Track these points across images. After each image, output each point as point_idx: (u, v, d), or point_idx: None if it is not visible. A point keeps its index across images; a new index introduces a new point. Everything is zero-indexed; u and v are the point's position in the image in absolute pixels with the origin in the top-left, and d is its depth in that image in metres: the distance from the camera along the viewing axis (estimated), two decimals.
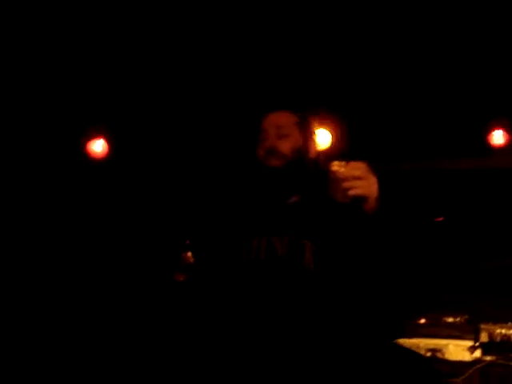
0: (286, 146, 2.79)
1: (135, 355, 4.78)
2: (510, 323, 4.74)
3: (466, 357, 4.68)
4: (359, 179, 2.34)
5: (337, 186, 2.36)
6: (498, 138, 5.34)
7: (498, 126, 5.34)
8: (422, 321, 4.97)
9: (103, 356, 4.99)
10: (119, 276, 5.27)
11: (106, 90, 5.34)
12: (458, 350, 4.74)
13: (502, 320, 4.78)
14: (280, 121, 2.83)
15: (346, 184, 2.33)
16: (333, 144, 5.38)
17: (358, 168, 2.36)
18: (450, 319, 4.94)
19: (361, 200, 2.35)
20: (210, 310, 2.81)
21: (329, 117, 5.31)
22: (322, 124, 5.31)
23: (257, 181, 2.83)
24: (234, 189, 2.96)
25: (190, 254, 3.15)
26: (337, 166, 2.35)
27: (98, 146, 5.56)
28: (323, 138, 5.31)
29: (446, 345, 4.77)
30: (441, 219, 5.38)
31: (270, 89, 5.09)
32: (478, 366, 4.44)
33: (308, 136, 2.86)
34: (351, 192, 2.33)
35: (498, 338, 4.70)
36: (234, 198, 2.93)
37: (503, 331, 4.71)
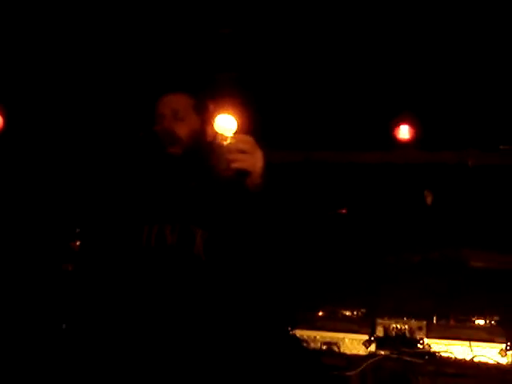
0: (183, 130, 2.71)
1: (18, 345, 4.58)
2: (405, 318, 4.78)
3: (361, 351, 4.70)
4: (244, 153, 2.28)
5: (221, 158, 2.31)
6: (403, 132, 5.36)
7: (404, 121, 5.37)
8: (320, 313, 4.96)
9: None
10: (4, 261, 5.06)
11: None
12: (353, 343, 4.76)
13: (397, 314, 4.82)
14: (176, 103, 2.75)
15: (230, 156, 2.29)
16: (238, 130, 5.30)
17: (243, 141, 2.33)
18: (348, 313, 4.95)
19: (244, 174, 2.31)
20: (97, 299, 2.74)
21: (235, 102, 5.23)
22: (228, 109, 5.23)
23: (154, 166, 2.75)
24: (128, 174, 2.86)
25: (78, 242, 3.02)
26: (223, 138, 2.33)
27: None
28: (228, 124, 5.22)
29: (343, 338, 4.78)
30: (343, 211, 5.38)
31: (166, 70, 5.00)
32: (372, 360, 4.45)
33: (205, 119, 2.78)
34: (234, 165, 2.30)
35: (393, 333, 4.74)
36: (127, 183, 2.83)
37: (398, 326, 4.75)
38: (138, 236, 2.63)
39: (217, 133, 2.62)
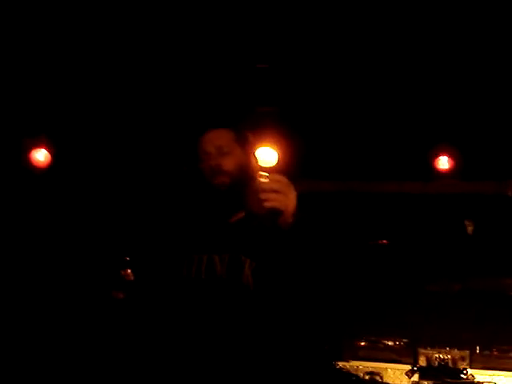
0: (229, 164, 2.76)
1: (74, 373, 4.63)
2: (447, 348, 4.77)
3: (404, 381, 4.70)
4: (277, 192, 2.34)
5: (255, 197, 2.37)
6: (443, 163, 5.38)
7: (443, 152, 5.39)
8: (362, 343, 4.97)
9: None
10: (56, 290, 5.12)
11: (47, 100, 5.27)
12: (396, 373, 4.76)
13: (440, 344, 4.81)
14: (219, 139, 2.79)
15: (263, 195, 2.35)
16: (279, 162, 5.35)
17: (277, 181, 2.38)
18: (390, 342, 4.96)
19: (276, 213, 2.36)
20: (150, 328, 2.78)
21: (275, 136, 5.29)
22: (268, 143, 5.29)
23: (202, 198, 2.80)
24: (178, 205, 2.93)
25: (129, 270, 3.07)
26: (258, 177, 2.39)
27: (40, 156, 5.49)
28: (269, 157, 5.28)
29: (385, 368, 4.78)
30: (384, 242, 5.39)
31: (206, 107, 5.06)
32: None
33: (249, 151, 2.84)
34: (267, 204, 2.35)
35: (436, 363, 4.73)
36: (177, 214, 2.89)
37: (441, 355, 4.74)
38: (188, 267, 2.66)
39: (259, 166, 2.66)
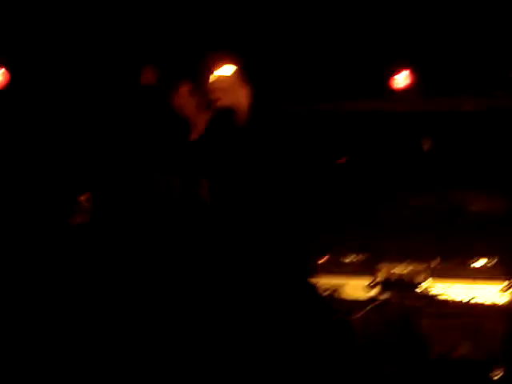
0: (199, 119, 2.78)
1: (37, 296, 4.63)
2: (406, 262, 4.85)
3: (363, 295, 4.77)
4: (225, 91, 2.33)
5: (205, 99, 2.38)
6: (400, 80, 5.39)
7: (401, 68, 5.39)
8: (321, 260, 5.04)
9: None
10: (11, 218, 5.06)
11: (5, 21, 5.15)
12: (355, 288, 4.83)
13: (398, 258, 4.89)
14: None
15: (212, 95, 2.34)
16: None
17: (224, 80, 2.36)
18: (348, 258, 5.02)
19: (228, 112, 2.36)
20: (112, 248, 2.82)
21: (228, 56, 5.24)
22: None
23: (161, 123, 2.81)
24: (136, 128, 2.92)
25: (86, 196, 3.08)
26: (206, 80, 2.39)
27: None
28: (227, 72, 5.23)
29: (344, 284, 4.85)
30: (343, 161, 5.43)
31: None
32: (374, 304, 4.53)
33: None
34: (216, 104, 2.34)
35: (394, 277, 4.81)
36: (135, 137, 2.89)
37: (399, 269, 4.82)
38: (149, 188, 2.72)
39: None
